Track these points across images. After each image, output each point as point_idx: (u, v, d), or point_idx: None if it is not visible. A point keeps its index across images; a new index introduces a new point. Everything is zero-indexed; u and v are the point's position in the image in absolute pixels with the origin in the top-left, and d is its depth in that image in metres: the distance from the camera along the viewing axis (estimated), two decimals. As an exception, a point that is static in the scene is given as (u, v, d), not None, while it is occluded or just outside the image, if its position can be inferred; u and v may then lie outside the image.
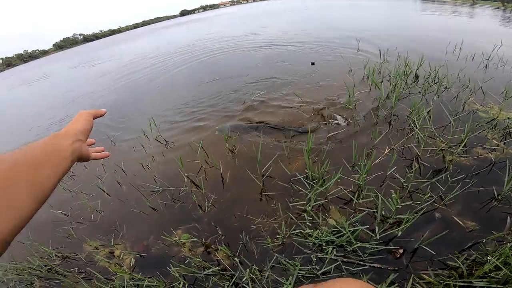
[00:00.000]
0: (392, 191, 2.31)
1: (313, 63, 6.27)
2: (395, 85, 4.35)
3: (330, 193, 2.49)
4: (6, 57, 59.87)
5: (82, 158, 0.66)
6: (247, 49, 9.81)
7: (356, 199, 2.38)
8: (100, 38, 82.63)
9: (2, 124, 8.43)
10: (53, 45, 73.63)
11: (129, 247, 2.59)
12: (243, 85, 5.79)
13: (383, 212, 2.19)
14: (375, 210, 2.21)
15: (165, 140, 4.23)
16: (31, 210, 0.44)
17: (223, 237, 2.43)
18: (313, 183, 2.60)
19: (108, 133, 4.90)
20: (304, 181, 2.72)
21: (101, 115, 0.76)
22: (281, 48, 8.97)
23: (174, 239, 2.46)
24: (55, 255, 2.63)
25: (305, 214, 2.35)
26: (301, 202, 2.48)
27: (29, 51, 64.84)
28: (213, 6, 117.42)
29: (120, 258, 2.49)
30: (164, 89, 7.09)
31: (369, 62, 5.36)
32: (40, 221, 3.16)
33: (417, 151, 2.83)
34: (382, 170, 2.65)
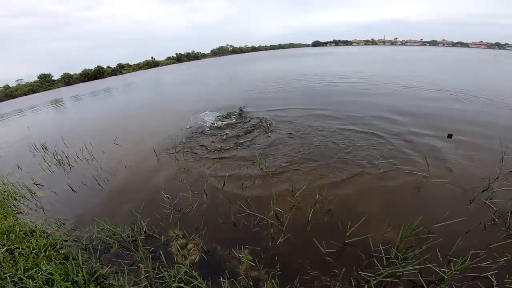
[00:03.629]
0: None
1: (450, 136, 5.09)
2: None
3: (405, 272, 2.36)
4: (177, 53, 78.73)
5: None
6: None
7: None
8: (244, 52, 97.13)
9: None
10: (211, 51, 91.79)
11: (202, 244, 3.05)
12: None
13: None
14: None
15: (266, 169, 4.51)
16: None
17: (278, 272, 2.57)
18: (392, 259, 2.49)
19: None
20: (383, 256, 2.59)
21: None
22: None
23: (239, 255, 2.78)
24: (145, 231, 3.35)
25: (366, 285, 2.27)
26: (369, 274, 2.38)
27: (195, 52, 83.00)
28: (346, 42, 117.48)
29: (190, 251, 2.98)
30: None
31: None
32: (153, 198, 4.12)
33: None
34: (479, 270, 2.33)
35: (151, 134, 7.33)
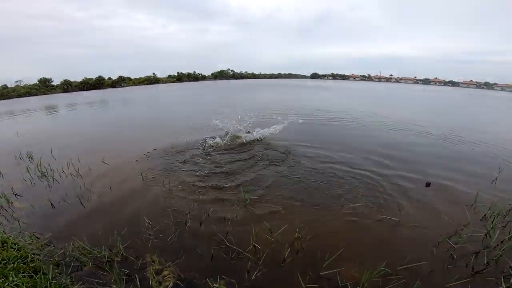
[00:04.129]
0: None
1: (428, 184, 5.38)
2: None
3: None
4: (179, 72, 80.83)
5: None
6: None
7: None
8: (244, 78, 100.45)
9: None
10: (212, 73, 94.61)
11: (178, 271, 3.10)
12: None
13: None
14: None
15: (250, 206, 4.63)
16: None
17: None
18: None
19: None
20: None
21: None
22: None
23: (214, 285, 2.87)
24: (122, 253, 3.41)
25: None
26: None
27: (196, 73, 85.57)
28: (343, 77, 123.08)
29: (165, 278, 3.02)
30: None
31: (500, 201, 4.58)
32: (134, 223, 4.15)
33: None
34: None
35: (141, 154, 7.35)
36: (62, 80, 56.56)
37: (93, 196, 5.05)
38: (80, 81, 58.54)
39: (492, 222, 4.01)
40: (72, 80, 57.62)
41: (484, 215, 4.28)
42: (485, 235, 3.76)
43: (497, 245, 3.56)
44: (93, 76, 61.10)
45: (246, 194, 4.82)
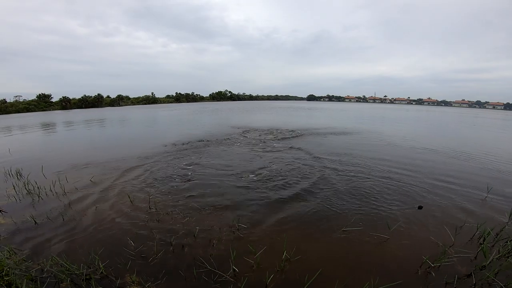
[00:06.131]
0: None
1: (420, 207, 5.45)
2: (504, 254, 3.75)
3: None
4: (177, 93, 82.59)
5: None
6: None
7: None
8: (241, 99, 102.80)
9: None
10: (209, 94, 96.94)
11: None
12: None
13: None
14: None
15: (238, 231, 4.62)
16: None
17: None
18: None
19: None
20: None
21: None
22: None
23: None
24: (101, 272, 3.43)
25: None
26: None
27: (194, 93, 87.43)
28: (339, 98, 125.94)
29: None
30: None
31: (488, 220, 4.64)
32: (117, 243, 4.16)
33: None
34: None
35: (132, 175, 7.42)
36: (61, 97, 57.30)
37: (77, 215, 5.07)
38: (79, 99, 59.29)
39: (483, 243, 3.99)
40: (71, 97, 58.44)
41: (472, 236, 4.29)
42: (475, 256, 3.74)
43: (486, 265, 3.52)
44: (92, 93, 62.16)
45: (234, 219, 4.80)
